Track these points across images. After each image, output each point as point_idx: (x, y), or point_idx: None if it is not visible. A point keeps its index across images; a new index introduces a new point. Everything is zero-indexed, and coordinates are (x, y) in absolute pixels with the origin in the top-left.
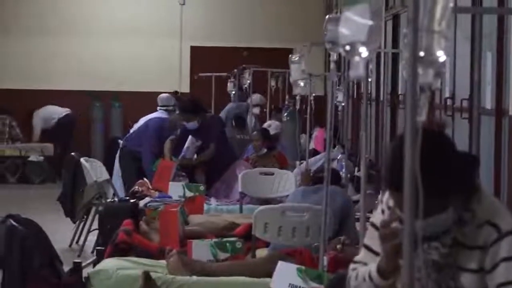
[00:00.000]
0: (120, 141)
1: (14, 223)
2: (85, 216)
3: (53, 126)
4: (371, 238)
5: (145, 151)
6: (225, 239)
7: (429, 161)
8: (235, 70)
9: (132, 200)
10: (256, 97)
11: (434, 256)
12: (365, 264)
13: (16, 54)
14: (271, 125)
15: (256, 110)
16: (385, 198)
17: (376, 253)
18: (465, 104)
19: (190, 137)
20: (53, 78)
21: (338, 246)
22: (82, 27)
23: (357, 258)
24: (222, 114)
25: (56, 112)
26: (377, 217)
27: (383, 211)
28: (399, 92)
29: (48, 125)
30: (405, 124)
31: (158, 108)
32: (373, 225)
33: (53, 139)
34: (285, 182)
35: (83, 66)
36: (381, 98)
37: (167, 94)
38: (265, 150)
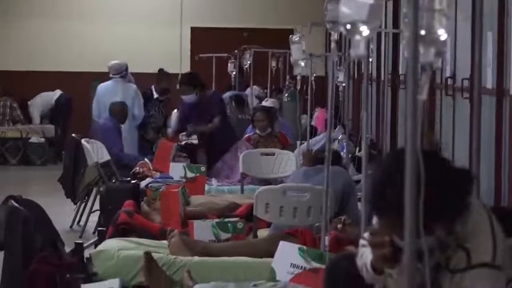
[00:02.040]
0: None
1: (15, 204)
2: (86, 197)
3: (51, 109)
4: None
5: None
6: (226, 220)
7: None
8: (236, 51)
9: (133, 181)
10: (255, 89)
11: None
12: None
13: (17, 36)
14: (267, 100)
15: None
16: None
17: None
18: (466, 83)
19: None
20: (54, 60)
21: (339, 226)
22: (84, 9)
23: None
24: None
25: (51, 96)
26: None
27: None
28: (400, 73)
29: (46, 111)
30: (406, 103)
31: (111, 75)
32: None
33: (53, 121)
34: (286, 162)
35: (84, 48)
36: (382, 78)
37: (116, 61)
38: (270, 129)
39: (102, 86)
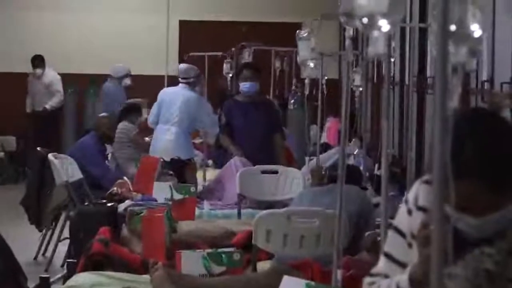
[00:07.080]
0: None
1: None
2: (53, 223)
3: None
4: (393, 244)
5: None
6: (220, 250)
7: (491, 150)
8: (233, 49)
9: (109, 204)
10: None
11: (488, 264)
12: (386, 276)
13: None
14: None
15: None
16: (412, 197)
17: (399, 263)
18: (505, 88)
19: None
20: (19, 60)
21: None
22: (64, 3)
23: (374, 270)
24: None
25: None
26: (401, 219)
27: (410, 212)
28: (428, 75)
29: None
30: (434, 112)
31: (180, 79)
32: (396, 229)
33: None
34: (292, 182)
35: (53, 46)
36: (407, 82)
37: (186, 64)
38: None
39: (165, 91)
